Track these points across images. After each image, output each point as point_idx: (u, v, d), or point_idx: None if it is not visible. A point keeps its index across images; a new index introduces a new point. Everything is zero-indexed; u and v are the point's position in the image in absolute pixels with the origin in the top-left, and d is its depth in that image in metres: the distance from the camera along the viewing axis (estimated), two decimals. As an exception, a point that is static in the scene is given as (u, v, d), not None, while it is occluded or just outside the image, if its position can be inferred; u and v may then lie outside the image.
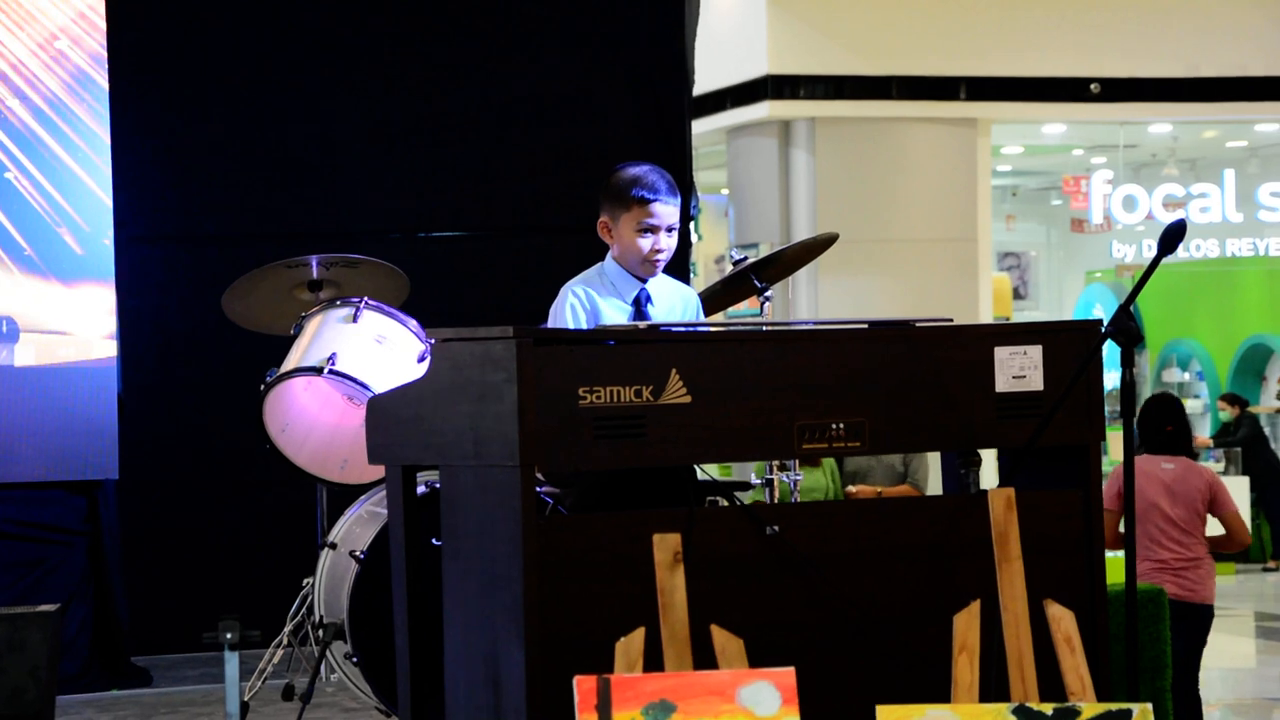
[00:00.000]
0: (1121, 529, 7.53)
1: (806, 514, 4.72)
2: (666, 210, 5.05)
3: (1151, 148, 17.48)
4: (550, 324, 5.06)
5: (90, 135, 7.91)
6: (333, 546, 6.15)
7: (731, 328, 5.37)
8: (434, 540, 4.64)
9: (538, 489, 4.31)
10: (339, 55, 9.02)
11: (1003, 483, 4.61)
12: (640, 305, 5.13)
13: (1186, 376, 17.46)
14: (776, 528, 4.39)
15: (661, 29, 9.37)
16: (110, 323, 7.96)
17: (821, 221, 13.17)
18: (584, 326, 5.00)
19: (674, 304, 5.23)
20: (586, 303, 5.07)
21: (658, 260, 5.11)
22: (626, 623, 3.57)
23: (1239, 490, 13.97)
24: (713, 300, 6.27)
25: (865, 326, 4.63)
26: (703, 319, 5.33)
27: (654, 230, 5.05)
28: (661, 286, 5.20)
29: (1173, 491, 6.84)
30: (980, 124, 14.08)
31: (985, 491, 4.22)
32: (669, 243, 5.10)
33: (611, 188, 5.08)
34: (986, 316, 13.95)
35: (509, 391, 4.14)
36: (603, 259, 5.18)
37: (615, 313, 5.08)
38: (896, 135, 13.79)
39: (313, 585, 6.23)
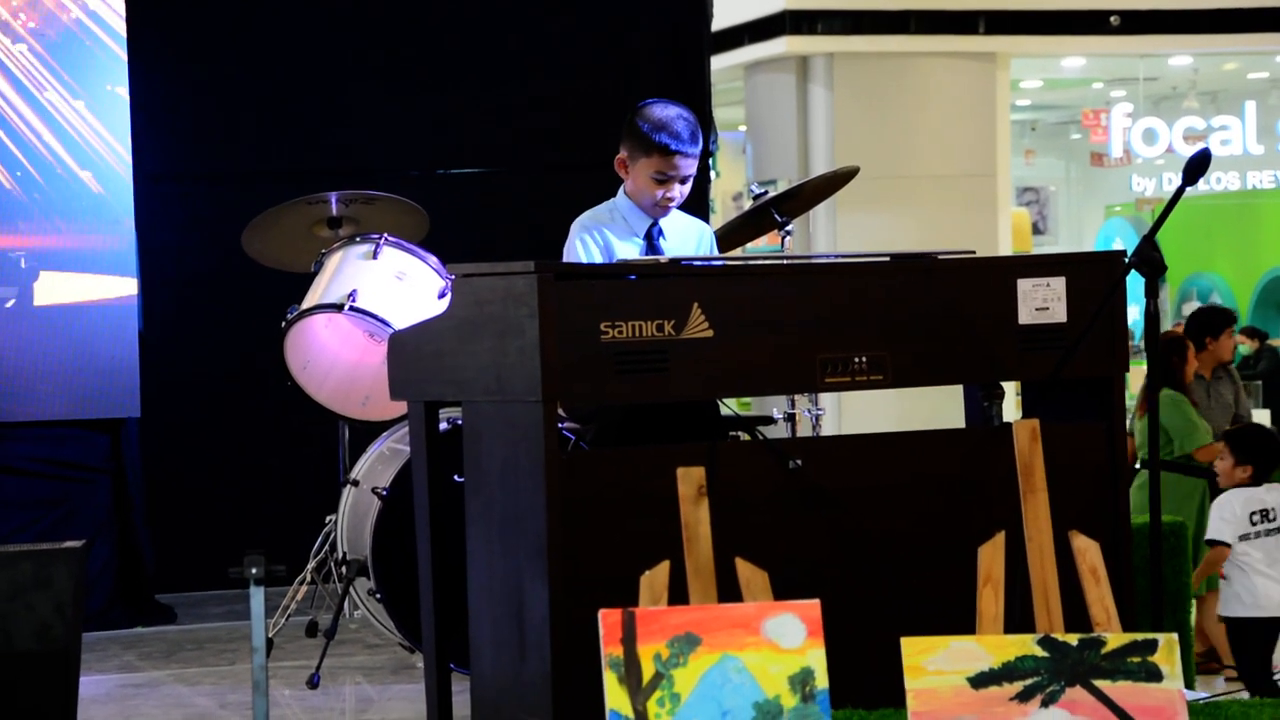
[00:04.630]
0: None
1: (829, 448, 4.73)
2: (686, 162, 5.03)
3: (1172, 80, 17.38)
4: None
5: (107, 71, 7.89)
6: (355, 483, 6.17)
7: (753, 261, 5.36)
8: (456, 476, 4.65)
9: (558, 425, 4.31)
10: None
11: (1026, 415, 4.60)
12: (652, 239, 5.12)
13: (1207, 310, 17.38)
14: (799, 461, 4.39)
15: (679, -36, 9.33)
16: (131, 260, 7.95)
17: (839, 157, 13.11)
18: (597, 263, 4.99)
19: (687, 237, 5.21)
20: (599, 239, 5.06)
21: (668, 206, 5.10)
22: (650, 557, 3.57)
23: (1260, 423, 13.94)
24: (733, 235, 6.25)
25: (887, 259, 4.62)
26: (716, 251, 5.32)
27: (670, 180, 5.03)
28: (674, 221, 5.18)
29: None
30: (999, 58, 13.99)
31: (1009, 424, 4.22)
32: (682, 190, 5.09)
33: (635, 128, 5.03)
34: (1005, 251, 13.90)
35: (530, 327, 4.14)
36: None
37: (628, 248, 5.07)
38: (915, 70, 13.72)
39: (335, 522, 6.25)
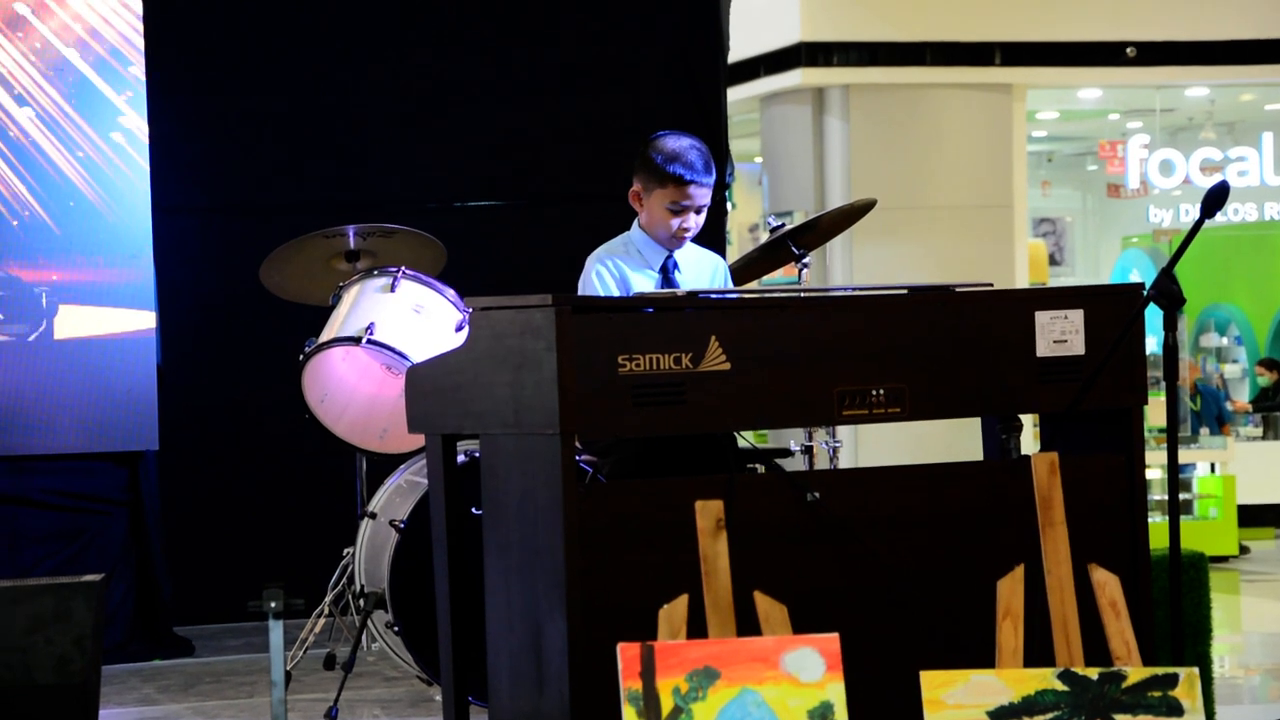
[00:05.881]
0: None
1: (847, 480, 4.72)
2: (701, 192, 5.05)
3: (1188, 111, 17.35)
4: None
5: (126, 105, 7.92)
6: (373, 516, 6.17)
7: (770, 294, 5.36)
8: (474, 509, 4.65)
9: (576, 457, 4.31)
10: (373, 24, 9.01)
11: (1044, 447, 4.59)
12: (668, 273, 5.13)
13: (1225, 341, 17.36)
14: (818, 494, 4.39)
15: (695, -3, 9.36)
16: (149, 293, 7.97)
17: (856, 189, 13.11)
18: (613, 295, 4.99)
19: (701, 270, 5.22)
20: (615, 272, 5.07)
21: (684, 237, 5.11)
22: (669, 590, 3.57)
23: (1277, 456, 13.90)
24: (750, 267, 6.25)
25: (905, 292, 4.62)
26: (730, 284, 5.33)
27: (685, 210, 5.05)
28: (688, 254, 5.19)
29: None
30: (1015, 89, 13.99)
31: (1028, 456, 4.21)
32: (697, 221, 5.10)
33: (649, 160, 5.05)
34: (1022, 283, 13.88)
35: (548, 360, 4.14)
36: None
37: (643, 281, 5.08)
38: (931, 102, 13.72)
39: (353, 555, 6.25)
